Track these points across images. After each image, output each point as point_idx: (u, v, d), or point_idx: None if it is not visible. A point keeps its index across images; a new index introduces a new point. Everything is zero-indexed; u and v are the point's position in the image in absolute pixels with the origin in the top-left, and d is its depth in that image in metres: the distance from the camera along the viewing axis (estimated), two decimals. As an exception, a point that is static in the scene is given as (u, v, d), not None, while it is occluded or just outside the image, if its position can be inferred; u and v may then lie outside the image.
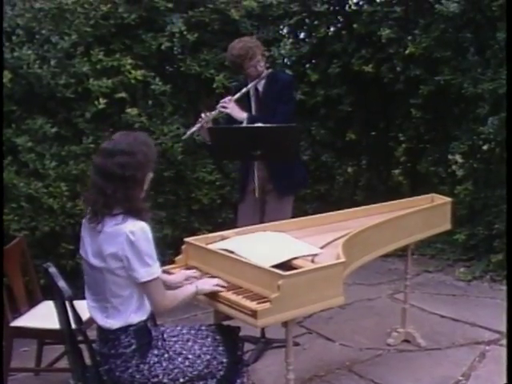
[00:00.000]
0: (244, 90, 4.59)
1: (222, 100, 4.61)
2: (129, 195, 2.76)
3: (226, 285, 3.06)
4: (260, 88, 4.65)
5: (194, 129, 4.61)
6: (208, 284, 3.05)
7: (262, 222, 4.15)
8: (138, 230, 2.72)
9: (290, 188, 4.76)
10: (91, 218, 2.81)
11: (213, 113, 4.59)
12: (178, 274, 3.23)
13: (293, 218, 4.15)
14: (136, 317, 2.82)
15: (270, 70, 4.69)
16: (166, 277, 3.16)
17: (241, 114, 4.55)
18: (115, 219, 2.76)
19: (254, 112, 4.67)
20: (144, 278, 2.75)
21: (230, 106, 4.55)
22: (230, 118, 4.66)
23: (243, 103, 4.63)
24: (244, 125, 4.47)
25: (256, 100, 4.68)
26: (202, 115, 4.57)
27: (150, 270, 2.76)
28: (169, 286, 3.08)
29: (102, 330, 2.88)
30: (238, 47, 4.55)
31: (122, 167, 2.73)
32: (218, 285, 3.05)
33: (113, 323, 2.82)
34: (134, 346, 2.81)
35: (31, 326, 3.73)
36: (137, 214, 2.77)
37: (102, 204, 2.76)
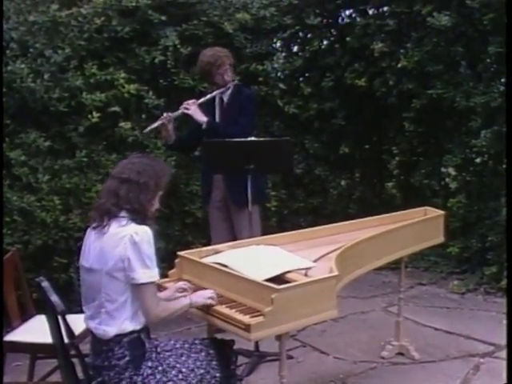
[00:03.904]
0: (209, 96, 4.77)
1: (186, 102, 4.72)
2: (140, 198, 2.86)
3: (218, 297, 3.05)
4: (225, 99, 4.80)
5: (154, 125, 4.73)
6: (202, 297, 3.05)
7: (234, 233, 4.25)
8: (142, 232, 2.80)
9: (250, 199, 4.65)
10: (97, 224, 2.88)
11: (175, 113, 4.72)
12: (168, 290, 3.22)
13: (283, 231, 4.14)
14: (130, 325, 2.83)
15: (236, 82, 4.84)
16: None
17: (202, 118, 4.66)
18: (120, 222, 2.84)
19: (217, 121, 4.80)
20: (142, 279, 2.78)
21: (192, 108, 4.67)
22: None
23: (208, 111, 4.75)
24: (235, 139, 4.48)
25: (220, 110, 4.82)
26: (164, 114, 4.71)
27: (150, 272, 2.80)
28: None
29: (95, 341, 2.89)
30: (208, 54, 4.74)
31: (138, 173, 2.88)
32: (211, 297, 3.04)
33: (106, 330, 2.82)
34: (127, 358, 2.81)
35: (24, 340, 3.71)
36: (142, 220, 2.86)
37: (112, 203, 2.84)
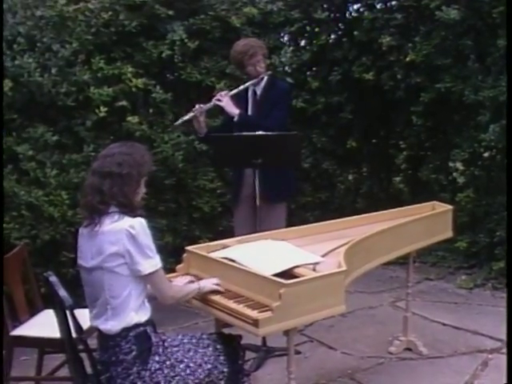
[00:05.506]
0: (241, 87, 4.69)
1: (219, 93, 4.70)
2: (125, 191, 2.83)
3: (225, 292, 3.07)
4: (258, 91, 4.73)
5: (186, 117, 4.70)
6: (210, 283, 3.10)
7: (256, 229, 4.20)
8: (137, 224, 2.79)
9: (279, 196, 4.73)
10: (88, 222, 2.86)
11: (207, 105, 4.68)
12: (176, 283, 3.22)
13: (291, 225, 4.13)
14: (136, 316, 2.84)
15: (269, 73, 4.77)
16: None
17: (234, 110, 4.63)
18: (112, 217, 2.82)
19: (250, 113, 4.74)
20: (148, 269, 2.80)
21: (224, 100, 4.63)
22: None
23: (241, 103, 4.70)
24: (245, 133, 4.46)
25: (253, 102, 4.76)
26: (196, 106, 4.66)
27: (153, 261, 2.82)
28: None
29: (102, 337, 2.89)
30: (241, 44, 4.69)
31: (119, 165, 2.83)
32: (218, 284, 3.09)
33: (113, 325, 2.83)
34: (134, 353, 2.82)
35: (32, 334, 3.71)
36: (132, 211, 2.83)
37: (98, 201, 2.81)
